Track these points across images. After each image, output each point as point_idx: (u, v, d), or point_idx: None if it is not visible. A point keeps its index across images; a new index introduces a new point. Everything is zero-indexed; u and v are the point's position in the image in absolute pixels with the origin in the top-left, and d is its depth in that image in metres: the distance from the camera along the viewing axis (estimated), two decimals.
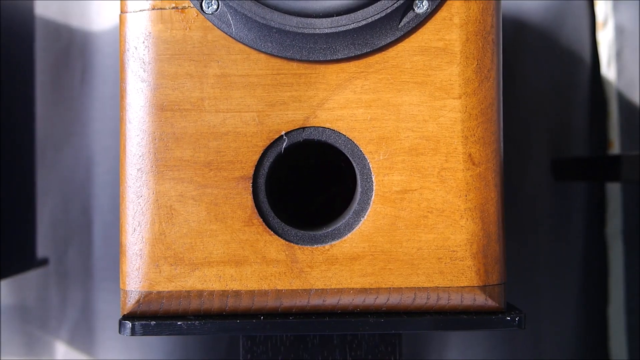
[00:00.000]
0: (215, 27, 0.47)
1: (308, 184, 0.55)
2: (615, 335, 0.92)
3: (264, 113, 0.48)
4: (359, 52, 0.47)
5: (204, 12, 0.47)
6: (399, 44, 0.48)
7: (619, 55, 0.94)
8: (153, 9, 0.48)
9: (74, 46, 0.90)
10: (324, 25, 0.47)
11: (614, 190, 0.92)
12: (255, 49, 0.47)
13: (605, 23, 0.93)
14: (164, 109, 0.48)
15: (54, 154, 0.90)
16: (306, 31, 0.46)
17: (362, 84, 0.48)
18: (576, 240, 0.93)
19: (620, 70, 0.94)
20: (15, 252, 0.78)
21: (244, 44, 0.47)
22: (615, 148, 0.93)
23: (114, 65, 0.90)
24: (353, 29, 0.47)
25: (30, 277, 0.88)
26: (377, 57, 0.48)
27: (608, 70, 0.93)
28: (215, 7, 0.47)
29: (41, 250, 0.88)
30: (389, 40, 0.47)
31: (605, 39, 0.93)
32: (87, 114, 0.90)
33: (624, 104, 0.94)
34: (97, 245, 0.90)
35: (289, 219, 0.49)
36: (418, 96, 0.48)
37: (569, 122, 0.93)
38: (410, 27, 0.47)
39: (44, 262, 0.83)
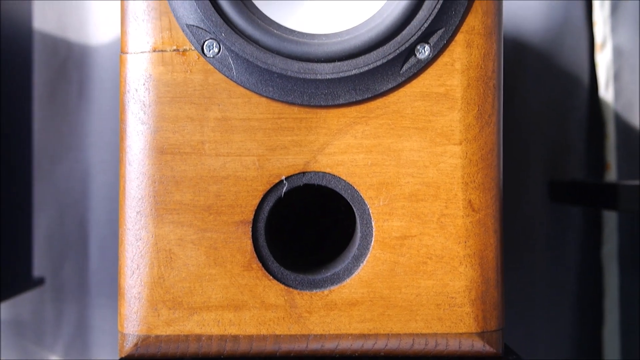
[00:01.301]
0: (217, 70, 0.47)
1: (307, 224, 0.55)
2: (610, 356, 0.92)
3: (264, 157, 0.47)
4: (360, 98, 0.47)
5: (205, 56, 0.47)
6: (400, 89, 0.48)
7: (617, 76, 0.94)
8: (154, 50, 0.47)
9: (72, 60, 0.90)
10: (326, 71, 0.46)
11: (610, 213, 0.92)
12: (256, 93, 0.47)
13: (603, 45, 0.93)
14: (164, 152, 0.47)
15: (50, 167, 0.89)
16: (308, 76, 0.46)
17: (362, 129, 0.48)
18: (572, 260, 0.93)
19: (618, 92, 0.94)
20: (11, 272, 0.78)
21: (245, 87, 0.47)
22: (613, 170, 0.93)
23: (111, 79, 0.90)
24: (355, 74, 0.47)
25: (26, 292, 0.87)
26: (378, 102, 0.48)
27: (606, 91, 0.93)
28: (216, 50, 0.47)
29: (37, 264, 0.88)
30: (390, 86, 0.47)
31: (604, 60, 0.93)
32: (84, 127, 0.90)
33: (622, 125, 0.94)
34: (93, 260, 0.90)
35: (287, 261, 0.49)
36: (419, 142, 0.48)
37: (567, 143, 0.93)
38: (411, 73, 0.47)
39: (39, 281, 0.83)
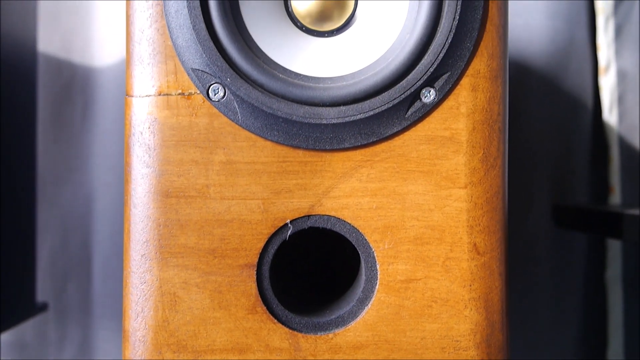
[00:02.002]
0: (222, 114, 0.47)
1: (312, 265, 0.55)
2: None
3: (269, 200, 0.47)
4: (365, 142, 0.47)
5: (211, 100, 0.47)
6: (406, 133, 0.48)
7: (621, 99, 0.94)
8: (159, 94, 0.47)
9: (76, 82, 0.90)
10: (331, 116, 0.46)
11: None
12: (261, 137, 0.47)
13: (607, 68, 0.93)
14: (169, 195, 0.47)
15: (54, 190, 0.89)
16: (313, 121, 0.46)
17: (368, 173, 0.48)
18: (576, 284, 0.93)
19: (622, 115, 0.94)
20: (14, 299, 0.78)
21: (251, 131, 0.47)
22: (617, 193, 0.93)
23: (115, 102, 0.90)
24: (360, 119, 0.47)
25: (29, 319, 0.87)
26: (383, 145, 0.48)
27: (610, 115, 0.93)
28: (221, 94, 0.47)
29: (40, 286, 0.88)
30: (395, 130, 0.47)
31: (608, 83, 0.93)
32: (88, 149, 0.90)
33: (626, 149, 0.94)
34: (97, 282, 0.90)
35: (292, 302, 0.49)
36: (424, 185, 0.48)
37: (571, 166, 0.93)
38: (417, 117, 0.47)
39: (43, 307, 0.83)
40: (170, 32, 0.47)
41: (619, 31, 0.93)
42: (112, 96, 0.90)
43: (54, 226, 0.89)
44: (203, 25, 0.46)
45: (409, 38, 0.47)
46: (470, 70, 0.47)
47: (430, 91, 0.47)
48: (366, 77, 0.47)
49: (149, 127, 0.47)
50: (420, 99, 0.47)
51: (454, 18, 0.46)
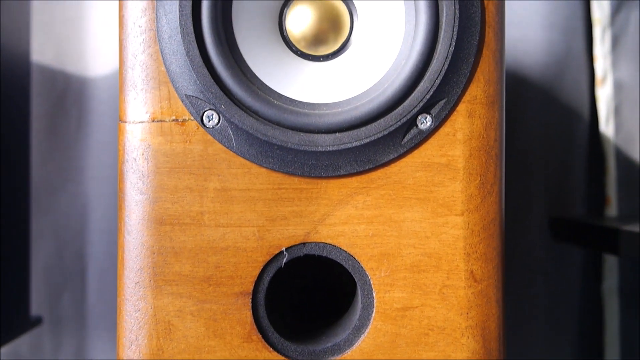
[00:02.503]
0: (216, 141, 0.47)
1: (307, 292, 0.55)
2: None
3: (264, 228, 0.47)
4: (361, 169, 0.47)
5: (205, 126, 0.47)
6: (402, 160, 0.47)
7: (617, 110, 0.93)
8: (153, 120, 0.47)
9: (70, 92, 0.89)
10: (327, 143, 0.46)
11: None
12: (256, 164, 0.47)
13: (604, 79, 0.93)
14: (163, 222, 0.47)
15: (49, 200, 0.89)
16: (308, 149, 0.46)
17: (364, 200, 0.47)
18: (572, 296, 0.93)
19: (618, 126, 0.93)
20: (8, 314, 0.77)
21: (245, 158, 0.47)
22: (613, 205, 0.93)
23: (110, 112, 0.89)
24: (356, 146, 0.46)
25: (24, 335, 0.87)
26: (379, 172, 0.47)
27: (607, 126, 0.93)
28: (216, 121, 0.47)
29: (35, 297, 0.87)
30: (391, 157, 0.47)
31: (604, 95, 0.93)
32: (82, 160, 0.89)
33: (622, 160, 0.94)
34: (92, 293, 0.90)
35: (287, 329, 0.49)
36: (420, 212, 0.47)
37: (567, 178, 0.93)
38: (413, 144, 0.47)
39: (37, 321, 0.83)
40: (163, 58, 0.47)
41: (615, 42, 0.93)
42: (107, 106, 0.90)
43: (49, 237, 0.89)
44: (197, 51, 0.45)
45: (405, 64, 0.46)
46: (466, 97, 0.47)
47: (426, 117, 0.47)
48: (362, 104, 0.46)
49: (143, 154, 0.47)
50: (417, 126, 0.47)
51: (451, 44, 0.46)
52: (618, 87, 0.93)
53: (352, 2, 0.49)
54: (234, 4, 0.47)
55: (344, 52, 0.49)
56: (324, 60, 0.49)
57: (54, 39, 0.88)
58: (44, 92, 0.89)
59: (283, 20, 0.49)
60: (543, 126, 0.92)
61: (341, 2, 0.49)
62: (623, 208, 0.93)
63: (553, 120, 0.93)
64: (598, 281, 0.93)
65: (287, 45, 0.49)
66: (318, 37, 0.49)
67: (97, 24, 0.89)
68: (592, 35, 0.93)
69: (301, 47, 0.49)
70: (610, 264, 0.92)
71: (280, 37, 0.49)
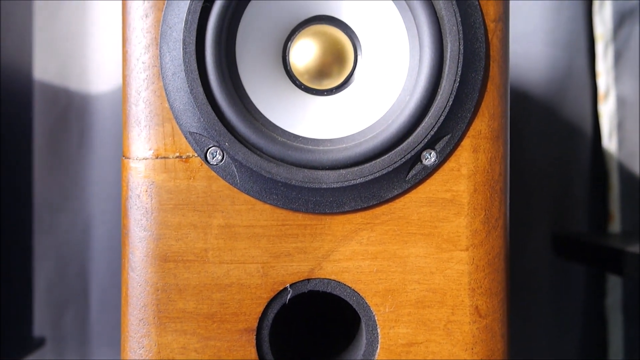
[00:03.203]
0: (220, 177, 0.47)
1: (311, 327, 0.55)
2: None
3: (268, 264, 0.47)
4: (365, 205, 0.47)
5: (209, 163, 0.46)
6: (406, 195, 0.47)
7: (620, 126, 0.93)
8: (157, 157, 0.47)
9: (72, 109, 0.89)
10: (331, 180, 0.46)
11: None
12: (260, 200, 0.47)
13: (606, 95, 0.93)
14: (167, 259, 0.47)
15: (51, 218, 0.89)
16: (312, 185, 0.46)
17: (368, 236, 0.47)
18: (576, 311, 0.93)
19: (621, 142, 0.93)
20: (12, 335, 0.77)
21: (249, 195, 0.47)
22: (616, 221, 0.93)
23: (112, 128, 0.89)
24: (360, 183, 0.46)
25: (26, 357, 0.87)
26: (383, 208, 0.47)
27: (610, 142, 0.93)
28: (219, 158, 0.46)
29: (38, 316, 0.87)
30: (396, 193, 0.47)
31: (607, 110, 0.93)
32: (84, 177, 0.89)
33: (626, 176, 0.93)
34: (94, 310, 0.90)
35: None
36: (425, 248, 0.47)
37: (570, 194, 0.93)
38: (417, 179, 0.47)
39: (40, 342, 0.83)
40: (167, 95, 0.46)
41: (618, 57, 0.93)
42: (109, 123, 0.89)
43: (51, 255, 0.89)
44: (200, 89, 0.45)
45: (409, 100, 0.46)
46: (471, 132, 0.47)
47: (431, 153, 0.47)
48: (366, 140, 0.46)
49: (147, 190, 0.47)
50: (421, 162, 0.47)
51: (455, 80, 0.46)
52: (621, 103, 0.93)
53: (356, 36, 0.49)
54: (238, 38, 0.47)
55: (348, 86, 0.49)
56: (327, 95, 0.49)
57: (56, 56, 0.88)
58: (46, 109, 0.89)
59: (287, 54, 0.49)
60: (546, 142, 0.92)
61: (345, 36, 0.49)
62: (626, 224, 0.93)
63: (556, 135, 0.92)
64: (601, 296, 0.93)
65: (290, 80, 0.49)
66: (322, 70, 0.48)
67: (100, 41, 0.89)
68: (594, 50, 0.93)
69: (305, 80, 0.49)
70: (614, 280, 0.92)
71: (284, 71, 0.49)
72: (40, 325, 0.88)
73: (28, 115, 0.87)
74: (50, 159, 0.89)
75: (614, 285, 0.92)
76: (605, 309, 0.92)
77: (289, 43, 0.49)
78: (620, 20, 0.92)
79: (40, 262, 0.88)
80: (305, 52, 0.48)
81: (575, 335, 0.92)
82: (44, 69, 0.89)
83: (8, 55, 0.79)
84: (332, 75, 0.49)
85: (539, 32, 0.91)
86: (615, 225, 0.93)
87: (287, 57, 0.49)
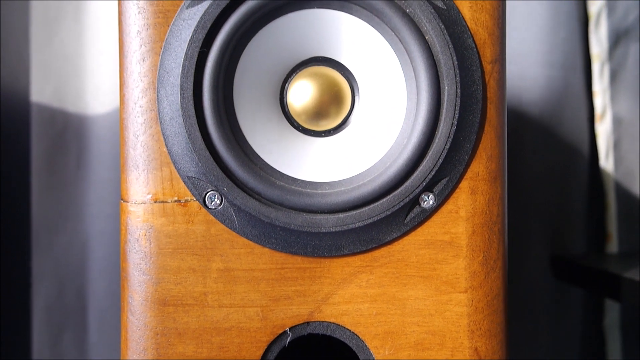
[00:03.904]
0: (219, 221, 0.47)
1: None
2: None
3: (267, 308, 0.47)
4: (364, 248, 0.47)
5: (207, 207, 0.46)
6: (405, 238, 0.47)
7: (616, 145, 0.93)
8: (155, 201, 0.47)
9: (69, 130, 0.89)
10: (330, 224, 0.46)
11: None
12: (259, 244, 0.47)
13: (603, 114, 0.93)
14: (166, 303, 0.47)
15: (49, 239, 0.89)
16: (311, 230, 0.46)
17: (367, 278, 0.47)
18: (574, 331, 0.93)
19: (618, 161, 0.93)
20: (11, 357, 0.77)
21: (248, 239, 0.47)
22: (614, 241, 0.93)
23: (109, 149, 0.89)
24: (359, 227, 0.46)
25: None
26: (382, 250, 0.47)
27: (606, 161, 0.93)
28: (218, 202, 0.46)
29: (36, 337, 0.87)
30: (394, 236, 0.47)
31: (604, 130, 0.93)
32: (82, 198, 0.89)
33: (623, 195, 0.94)
34: (92, 332, 0.89)
35: None
36: (424, 290, 0.47)
37: (568, 214, 0.93)
38: (416, 222, 0.47)
39: None
40: (165, 139, 0.46)
41: (614, 76, 0.93)
42: (106, 144, 0.89)
43: (49, 276, 0.89)
44: (198, 134, 0.45)
45: (407, 143, 0.46)
46: (469, 174, 0.47)
47: (429, 196, 0.47)
48: (364, 183, 0.46)
49: (145, 235, 0.47)
50: (419, 204, 0.47)
51: (452, 124, 0.46)
52: (617, 122, 0.93)
53: (354, 78, 0.49)
54: (235, 81, 0.47)
55: (345, 127, 0.49)
56: (325, 136, 0.49)
57: (53, 78, 0.88)
58: (43, 131, 0.89)
59: (284, 95, 0.49)
60: (543, 162, 0.92)
61: (342, 77, 0.49)
62: (624, 244, 0.93)
63: (553, 156, 0.93)
64: (600, 316, 0.93)
65: (288, 121, 0.49)
66: (319, 111, 0.49)
67: (96, 63, 0.89)
68: (590, 70, 0.93)
69: (302, 121, 0.49)
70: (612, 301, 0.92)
71: (282, 113, 0.49)
72: (38, 347, 0.88)
73: (26, 137, 0.87)
74: (48, 180, 0.89)
75: (612, 306, 0.92)
76: (604, 329, 0.93)
77: (287, 84, 0.49)
78: (616, 40, 0.93)
79: (38, 283, 0.88)
80: (302, 93, 0.48)
81: (573, 355, 0.93)
82: (41, 90, 0.89)
83: (5, 78, 0.79)
84: (329, 116, 0.49)
85: (536, 52, 0.91)
86: (613, 245, 0.93)
87: (284, 98, 0.49)
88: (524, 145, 0.92)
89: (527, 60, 0.91)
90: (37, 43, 0.88)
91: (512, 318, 0.88)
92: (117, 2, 0.87)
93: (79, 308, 0.90)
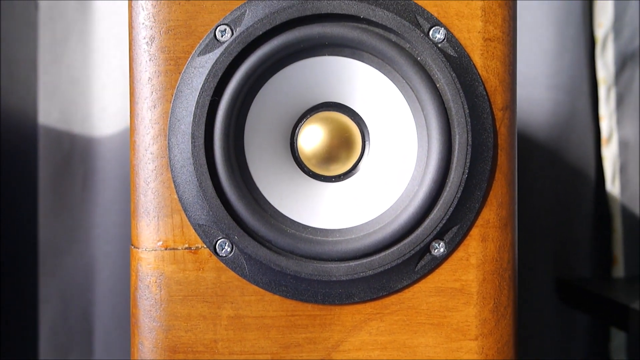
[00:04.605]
0: (229, 268, 0.47)
1: None
2: None
3: (278, 355, 0.47)
4: (374, 296, 0.47)
5: (218, 255, 0.47)
6: (415, 285, 0.47)
7: (623, 169, 0.93)
8: (166, 248, 0.47)
9: (76, 152, 0.89)
10: (340, 273, 0.46)
11: None
12: (269, 292, 0.47)
13: (609, 138, 0.93)
14: (176, 350, 0.47)
15: (55, 261, 0.89)
16: (322, 278, 0.46)
17: (377, 326, 0.47)
18: (580, 354, 0.93)
19: (624, 185, 0.93)
20: None
21: (258, 286, 0.47)
22: (620, 264, 0.93)
23: (115, 171, 0.89)
24: (369, 275, 0.46)
25: None
26: (393, 298, 0.47)
27: (612, 185, 0.93)
28: (228, 250, 0.46)
29: (42, 358, 0.87)
30: (405, 284, 0.47)
31: (610, 154, 0.93)
32: (88, 220, 0.89)
33: (629, 219, 0.94)
34: (98, 353, 0.90)
35: None
36: (434, 338, 0.47)
37: (574, 238, 0.93)
38: (426, 270, 0.47)
39: None
40: (175, 186, 0.46)
41: (620, 100, 0.93)
42: (113, 166, 0.90)
43: (55, 298, 0.89)
44: (210, 183, 0.45)
45: (417, 190, 0.46)
46: (479, 221, 0.47)
47: (440, 243, 0.47)
48: (375, 231, 0.46)
49: (156, 281, 0.47)
50: (430, 252, 0.47)
51: (464, 172, 0.46)
52: (623, 146, 0.93)
53: (364, 123, 0.49)
54: (246, 128, 0.47)
55: (355, 173, 0.49)
56: (335, 181, 0.49)
57: (60, 100, 0.89)
58: (50, 154, 0.89)
59: (295, 139, 0.49)
60: (549, 186, 0.92)
61: (352, 122, 0.49)
62: (630, 267, 0.93)
63: (559, 180, 0.93)
64: (606, 340, 0.93)
65: (299, 166, 0.49)
66: (330, 155, 0.49)
67: (102, 85, 0.89)
68: (597, 94, 0.93)
69: (312, 165, 0.49)
70: None
71: (292, 158, 0.49)
72: None
73: (33, 159, 0.87)
74: (54, 202, 0.89)
75: (619, 332, 0.92)
76: (610, 352, 0.93)
77: (297, 129, 0.49)
78: (622, 64, 0.93)
79: (44, 304, 0.89)
80: (313, 137, 0.48)
81: None
82: (48, 113, 0.89)
83: (13, 100, 0.79)
84: (339, 160, 0.49)
85: (542, 76, 0.91)
86: (619, 269, 0.93)
87: (295, 143, 0.49)
88: (530, 168, 0.92)
89: (534, 84, 0.91)
90: (44, 65, 0.88)
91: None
92: (123, 26, 0.87)
93: (85, 329, 0.90)
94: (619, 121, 0.93)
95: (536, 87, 0.92)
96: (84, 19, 0.89)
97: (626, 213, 0.94)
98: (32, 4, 0.82)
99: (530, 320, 0.91)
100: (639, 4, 0.92)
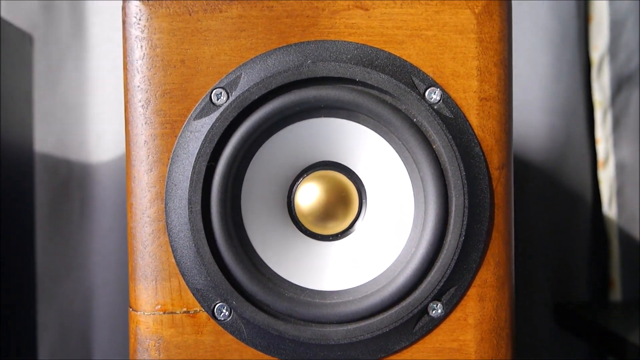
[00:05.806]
0: (227, 332, 0.47)
1: None
2: None
3: None
4: (373, 358, 0.47)
5: (216, 319, 0.47)
6: (413, 346, 0.47)
7: (619, 192, 0.94)
8: (164, 312, 0.47)
9: (73, 179, 0.89)
10: (339, 336, 0.46)
11: None
12: (268, 355, 0.47)
13: (606, 161, 0.93)
14: None
15: (53, 288, 0.89)
16: (320, 342, 0.46)
17: None
18: None
19: (621, 208, 0.94)
20: None
21: (257, 350, 0.47)
22: (617, 287, 0.93)
23: (113, 197, 0.89)
24: (368, 338, 0.46)
25: None
26: (391, 359, 0.47)
27: (609, 208, 0.93)
28: (227, 314, 0.47)
29: None
30: (403, 345, 0.47)
31: (607, 177, 0.93)
32: (86, 246, 0.89)
33: (626, 242, 0.94)
34: None
35: None
36: None
37: (571, 261, 0.93)
38: (424, 331, 0.47)
39: None
40: (173, 251, 0.46)
41: (616, 123, 0.93)
42: (110, 192, 0.89)
43: (54, 324, 0.89)
44: (207, 248, 0.45)
45: (414, 252, 0.46)
46: (477, 281, 0.47)
47: (437, 305, 0.47)
48: (372, 293, 0.46)
49: (155, 345, 0.47)
50: (428, 313, 0.47)
51: (461, 234, 0.46)
52: (620, 168, 0.93)
53: (361, 182, 0.49)
54: (243, 190, 0.47)
55: (352, 232, 0.49)
56: (333, 240, 0.49)
57: (56, 127, 0.88)
58: (47, 181, 0.89)
59: (292, 197, 0.49)
60: (546, 209, 0.92)
61: (349, 181, 0.49)
62: (627, 291, 0.93)
63: (556, 203, 0.93)
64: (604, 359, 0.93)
65: (296, 225, 0.49)
66: (327, 212, 0.49)
67: (98, 111, 0.89)
68: (593, 117, 0.93)
69: (309, 223, 0.49)
70: None
71: (289, 217, 0.49)
72: None
73: (29, 186, 0.87)
74: (52, 229, 0.89)
75: None
76: None
77: (294, 187, 0.49)
78: (618, 87, 0.93)
79: (43, 332, 0.89)
80: (309, 194, 0.49)
81: None
82: (44, 140, 0.89)
83: (9, 127, 0.78)
84: (337, 217, 0.49)
85: (538, 100, 0.91)
86: (616, 292, 0.93)
87: (292, 202, 0.49)
88: (526, 191, 0.92)
89: (530, 107, 0.91)
90: (39, 92, 0.88)
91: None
92: (117, 51, 0.87)
93: (84, 357, 0.90)
94: (616, 144, 0.93)
95: (532, 111, 0.92)
96: (79, 45, 0.88)
97: (623, 236, 0.94)
98: (27, 38, 0.81)
99: (528, 346, 0.92)
100: (637, 26, 0.92)
